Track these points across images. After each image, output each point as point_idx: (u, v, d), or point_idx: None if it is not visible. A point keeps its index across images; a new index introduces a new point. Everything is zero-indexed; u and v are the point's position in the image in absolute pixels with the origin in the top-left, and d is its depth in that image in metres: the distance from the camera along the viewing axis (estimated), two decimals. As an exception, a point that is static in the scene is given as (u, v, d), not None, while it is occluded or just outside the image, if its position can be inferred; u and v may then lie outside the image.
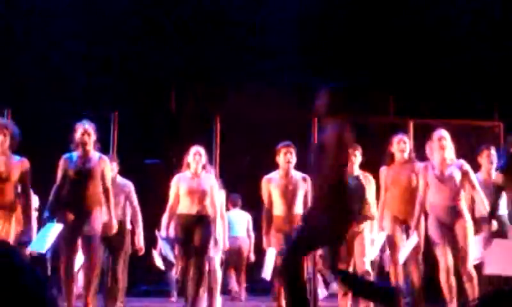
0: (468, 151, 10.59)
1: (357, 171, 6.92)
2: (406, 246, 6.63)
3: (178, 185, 6.90)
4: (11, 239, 5.76)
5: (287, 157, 6.83)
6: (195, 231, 6.78)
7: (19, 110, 9.11)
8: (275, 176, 6.93)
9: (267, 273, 6.87)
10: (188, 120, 10.81)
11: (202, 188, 6.85)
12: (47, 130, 10.68)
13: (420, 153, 9.69)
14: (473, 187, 6.52)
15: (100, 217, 6.33)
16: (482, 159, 7.08)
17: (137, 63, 10.83)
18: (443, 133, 6.66)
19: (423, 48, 10.56)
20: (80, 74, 10.58)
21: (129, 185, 7.35)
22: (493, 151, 7.03)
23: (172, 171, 8.26)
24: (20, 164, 6.02)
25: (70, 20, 10.45)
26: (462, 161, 6.60)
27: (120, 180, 7.45)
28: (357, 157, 6.91)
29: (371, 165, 8.51)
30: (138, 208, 7.36)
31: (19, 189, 6.04)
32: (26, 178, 6.03)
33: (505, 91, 10.14)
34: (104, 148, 8.67)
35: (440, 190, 6.46)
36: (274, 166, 7.06)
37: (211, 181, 6.95)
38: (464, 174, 6.49)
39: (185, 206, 6.86)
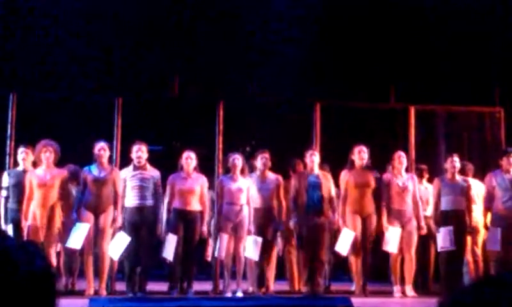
0: (468, 137, 10.69)
1: (317, 170, 8.32)
2: (394, 238, 8.21)
3: (173, 184, 7.94)
4: (56, 230, 7.70)
5: (262, 161, 8.26)
6: (188, 224, 7.89)
7: (24, 96, 9.19)
8: (254, 176, 8.32)
9: (252, 254, 8.06)
10: (191, 107, 10.86)
11: (192, 187, 7.92)
12: (51, 115, 10.76)
13: (420, 139, 9.79)
14: (417, 193, 8.47)
15: (112, 215, 7.82)
16: (447, 164, 8.52)
17: (141, 50, 10.86)
18: (402, 153, 8.58)
19: (423, 34, 10.57)
20: (84, 60, 10.61)
21: (158, 174, 8.04)
22: (456, 158, 8.50)
23: (175, 158, 8.38)
24: (60, 174, 7.84)
25: (76, 5, 10.47)
26: (413, 175, 8.67)
27: (149, 168, 8.02)
28: (316, 157, 8.35)
29: (373, 151, 8.62)
30: (162, 197, 7.99)
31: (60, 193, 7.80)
32: (65, 185, 7.85)
33: (506, 77, 10.18)
34: (108, 134, 8.82)
35: (399, 197, 8.29)
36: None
37: (201, 181, 8.04)
38: (415, 185, 8.45)
39: (179, 202, 7.93)
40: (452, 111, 10.61)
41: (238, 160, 8.14)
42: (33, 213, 7.70)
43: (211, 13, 10.90)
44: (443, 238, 8.25)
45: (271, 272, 8.32)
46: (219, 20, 10.95)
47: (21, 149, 7.99)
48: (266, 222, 8.18)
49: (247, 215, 8.09)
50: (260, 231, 8.12)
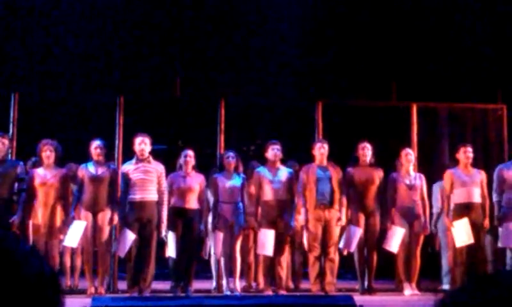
0: (471, 134, 10.67)
1: (325, 162, 8.21)
2: (397, 237, 8.09)
3: (172, 183, 7.93)
4: (56, 229, 7.71)
5: (274, 152, 8.10)
6: (187, 222, 7.86)
7: (26, 95, 9.22)
8: (265, 168, 8.19)
9: (265, 250, 7.92)
10: (193, 106, 10.86)
11: (191, 186, 7.91)
12: (53, 114, 10.78)
13: (423, 137, 9.79)
14: (424, 192, 8.35)
15: (109, 214, 7.81)
16: (460, 155, 8.30)
17: (143, 49, 10.87)
18: (409, 150, 8.48)
19: (425, 31, 10.56)
20: (86, 60, 10.63)
21: (162, 168, 7.97)
22: (469, 148, 8.30)
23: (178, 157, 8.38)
24: (61, 173, 7.86)
25: (78, 4, 10.49)
26: (421, 174, 8.42)
27: (153, 161, 7.94)
28: (325, 150, 8.18)
29: (375, 149, 8.60)
30: (166, 191, 7.89)
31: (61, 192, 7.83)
32: (66, 184, 7.87)
33: (508, 74, 10.16)
34: (110, 133, 8.83)
35: (407, 195, 8.17)
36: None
37: (199, 180, 8.00)
38: (423, 183, 8.31)
39: (178, 201, 7.90)
40: (454, 108, 10.59)
41: (232, 158, 8.09)
42: (35, 211, 7.73)
43: (212, 12, 10.91)
44: (459, 233, 7.99)
45: (283, 269, 8.14)
46: (220, 19, 10.95)
47: None
48: (278, 215, 8.02)
49: (243, 213, 8.04)
50: (271, 225, 7.97)
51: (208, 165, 8.83)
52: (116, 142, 8.85)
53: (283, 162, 8.44)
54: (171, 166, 8.28)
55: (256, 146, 11.40)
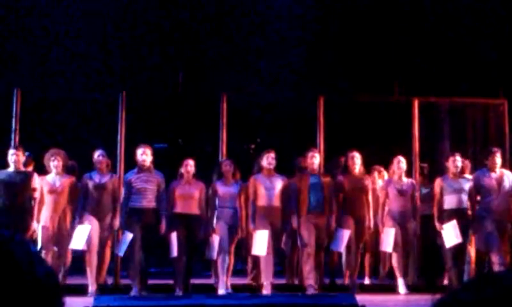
0: (472, 129, 10.69)
1: (317, 170, 8.50)
2: (388, 238, 8.41)
3: (174, 190, 8.33)
4: (67, 232, 8.01)
5: (268, 160, 8.40)
6: (188, 227, 8.26)
7: (28, 92, 9.24)
8: (260, 175, 8.46)
9: (259, 250, 8.21)
10: (195, 103, 10.88)
11: (191, 193, 8.32)
12: (54, 111, 10.80)
13: (424, 132, 9.80)
14: (416, 197, 8.68)
15: (112, 219, 8.21)
16: (449, 163, 8.51)
17: (145, 46, 10.87)
18: (401, 158, 8.64)
19: (427, 27, 10.56)
20: (88, 55, 10.63)
21: (161, 176, 8.39)
22: (458, 157, 8.48)
23: (179, 155, 8.48)
24: (69, 180, 8.21)
25: (81, 1, 10.50)
26: (412, 180, 8.84)
27: (154, 171, 8.33)
28: (316, 158, 8.48)
29: (377, 145, 8.63)
30: (165, 197, 8.28)
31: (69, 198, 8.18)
32: (74, 191, 8.16)
33: (510, 69, 10.17)
34: (111, 129, 8.88)
35: (398, 200, 8.47)
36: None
37: (199, 187, 8.40)
38: (414, 188, 8.65)
39: (180, 207, 8.31)
40: (455, 103, 10.60)
41: (230, 166, 8.44)
42: (45, 217, 8.06)
43: (214, 9, 10.91)
44: (449, 235, 8.32)
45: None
46: (222, 16, 10.95)
47: (12, 151, 8.07)
48: (272, 219, 8.34)
49: (239, 218, 8.41)
50: (266, 227, 8.29)
51: (209, 164, 8.92)
52: (118, 138, 8.90)
53: (287, 162, 8.76)
54: (171, 166, 8.44)
55: (257, 145, 11.44)
